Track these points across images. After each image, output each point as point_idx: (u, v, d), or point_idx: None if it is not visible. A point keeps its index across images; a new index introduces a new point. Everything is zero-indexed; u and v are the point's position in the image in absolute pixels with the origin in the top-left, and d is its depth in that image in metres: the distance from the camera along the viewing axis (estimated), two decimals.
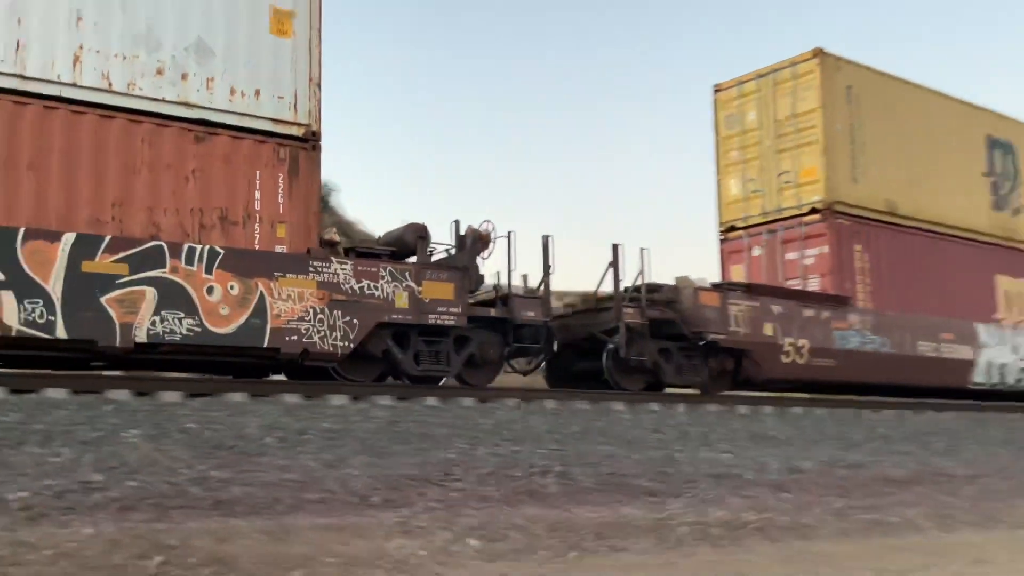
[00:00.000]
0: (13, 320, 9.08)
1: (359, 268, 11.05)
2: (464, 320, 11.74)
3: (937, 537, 7.77)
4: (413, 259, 11.86)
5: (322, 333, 10.67)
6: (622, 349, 13.00)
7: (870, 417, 14.26)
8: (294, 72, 11.14)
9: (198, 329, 9.96)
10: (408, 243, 11.88)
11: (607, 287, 13.65)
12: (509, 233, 12.41)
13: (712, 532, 7.03)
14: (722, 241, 18.03)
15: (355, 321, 10.90)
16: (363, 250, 11.64)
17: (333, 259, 10.94)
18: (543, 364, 13.97)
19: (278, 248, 10.74)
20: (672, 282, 14.11)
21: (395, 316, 11.23)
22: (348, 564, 5.29)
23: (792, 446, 11.04)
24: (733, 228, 17.85)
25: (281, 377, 12.37)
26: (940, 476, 10.55)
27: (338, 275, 10.88)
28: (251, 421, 8.48)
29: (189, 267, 10.00)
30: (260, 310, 10.33)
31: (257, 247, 10.60)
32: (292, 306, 10.52)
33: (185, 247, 10.03)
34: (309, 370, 11.44)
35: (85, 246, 9.51)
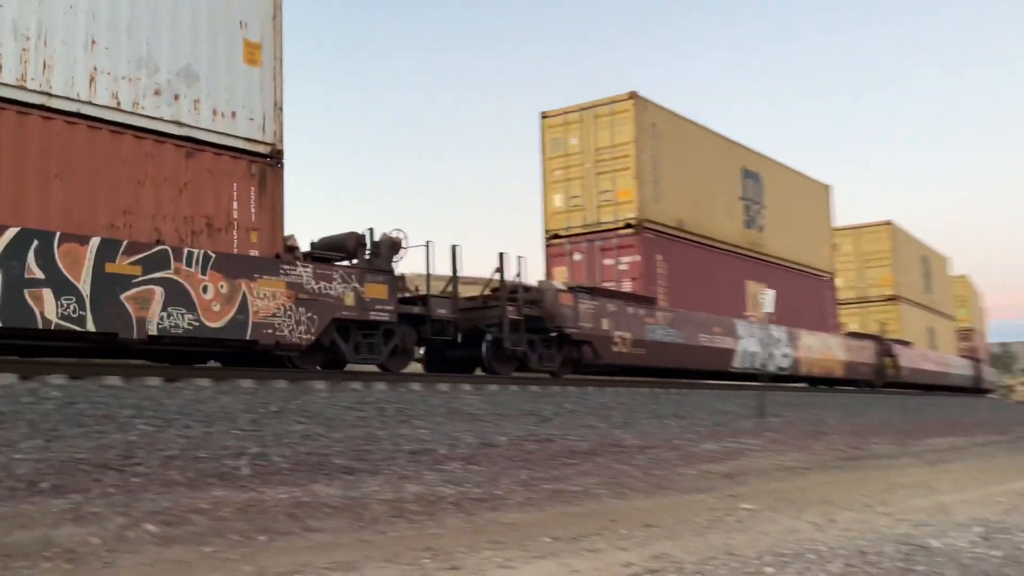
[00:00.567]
0: (53, 315, 10.15)
1: (317, 271, 12.87)
2: (395, 316, 13.89)
3: (612, 504, 8.08)
4: (355, 262, 13.79)
5: (291, 327, 12.41)
6: (506, 340, 15.71)
7: (559, 392, 15.05)
8: (262, 97, 12.71)
9: (196, 324, 11.39)
10: (348, 249, 13.80)
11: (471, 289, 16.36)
12: (428, 243, 14.70)
13: (408, 508, 7.09)
14: (547, 246, 21.29)
15: (315, 317, 12.72)
16: (317, 255, 13.43)
17: (298, 263, 12.68)
18: (424, 351, 16.37)
19: (252, 252, 12.32)
20: (535, 284, 17.05)
21: (345, 313, 13.17)
22: (6, 556, 5.04)
23: (487, 422, 11.44)
24: (557, 236, 21.16)
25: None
26: (617, 447, 11.18)
27: (302, 277, 12.64)
28: None
29: (188, 269, 11.38)
30: (244, 307, 11.89)
31: (236, 251, 12.12)
32: (268, 304, 12.17)
33: (185, 251, 11.39)
34: (264, 358, 13.05)
35: (108, 249, 10.68)
